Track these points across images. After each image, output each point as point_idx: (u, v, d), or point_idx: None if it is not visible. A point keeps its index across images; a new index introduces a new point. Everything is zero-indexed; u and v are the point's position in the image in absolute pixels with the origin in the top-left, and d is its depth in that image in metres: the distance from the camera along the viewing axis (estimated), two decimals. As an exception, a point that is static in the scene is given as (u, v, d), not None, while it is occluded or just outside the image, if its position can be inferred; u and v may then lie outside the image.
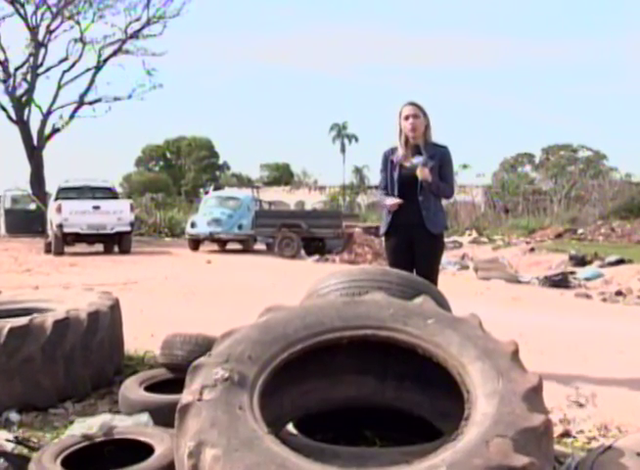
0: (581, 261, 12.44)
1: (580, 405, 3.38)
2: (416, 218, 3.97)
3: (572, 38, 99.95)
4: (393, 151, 4.10)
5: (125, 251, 15.46)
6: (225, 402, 1.73)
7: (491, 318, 4.03)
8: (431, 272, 3.90)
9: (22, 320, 3.19)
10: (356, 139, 58.41)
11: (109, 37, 23.95)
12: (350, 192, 44.47)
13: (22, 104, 23.11)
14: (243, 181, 58.35)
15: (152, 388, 2.98)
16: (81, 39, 23.81)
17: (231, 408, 1.71)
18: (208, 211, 17.81)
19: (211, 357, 1.89)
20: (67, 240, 15.29)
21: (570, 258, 12.90)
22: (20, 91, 23.28)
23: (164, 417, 2.46)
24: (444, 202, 4.39)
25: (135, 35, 24.16)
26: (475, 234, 22.76)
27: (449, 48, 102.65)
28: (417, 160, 3.93)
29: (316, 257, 15.57)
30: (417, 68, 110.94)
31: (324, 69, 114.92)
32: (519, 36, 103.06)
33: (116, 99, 24.59)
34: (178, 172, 65.87)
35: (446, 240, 6.46)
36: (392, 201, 3.98)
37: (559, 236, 20.27)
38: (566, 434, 2.93)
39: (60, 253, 14.84)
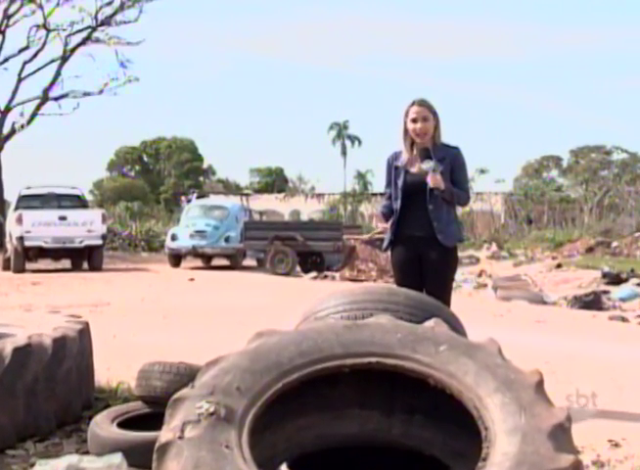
0: (616, 279, 12.45)
1: (616, 445, 3.37)
2: (426, 230, 3.98)
3: (607, 25, 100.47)
4: (398, 155, 4.11)
5: (96, 267, 15.45)
6: (210, 441, 1.73)
7: (513, 344, 4.02)
8: (442, 291, 3.90)
9: (-22, 347, 3.18)
10: (359, 141, 58.55)
11: (76, 24, 23.95)
12: (352, 200, 44.58)
13: (-25, 100, 23.17)
14: (230, 188, 58.43)
15: (126, 424, 2.97)
16: (45, 26, 23.77)
17: (217, 447, 1.71)
18: (191, 222, 17.85)
19: (195, 389, 1.89)
20: (28, 255, 15.26)
21: (602, 275, 12.91)
22: (-28, 85, 23.36)
23: (140, 458, 2.46)
24: (458, 210, 4.41)
25: (107, 22, 24.16)
26: (494, 248, 22.79)
27: (466, 37, 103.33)
28: (425, 164, 3.93)
29: (313, 273, 15.58)
30: (428, 59, 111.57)
31: (322, 60, 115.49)
32: (545, 23, 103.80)
33: (86, 94, 24.62)
34: (157, 178, 65.96)
35: (461, 254, 6.47)
36: (382, 227, 4.10)
37: (590, 250, 20.31)
38: (599, 477, 2.93)
39: (20, 270, 14.82)
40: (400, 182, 4.05)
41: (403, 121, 4.04)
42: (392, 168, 4.11)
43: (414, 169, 4.03)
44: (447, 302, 3.84)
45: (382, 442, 2.33)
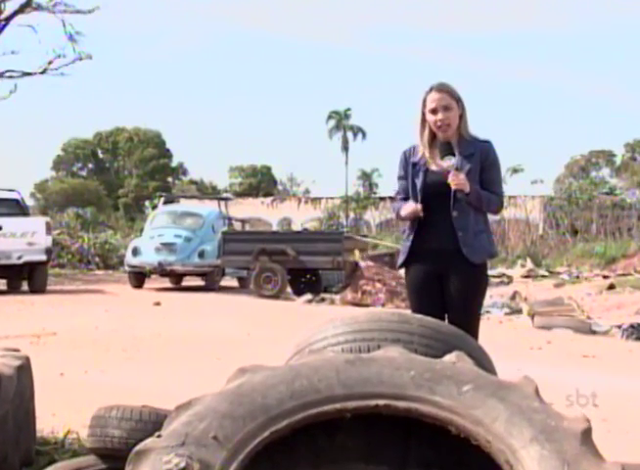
0: (682, 303, 12.48)
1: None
2: (448, 242, 3.98)
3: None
4: (417, 150, 4.12)
5: (39, 289, 15.41)
6: (181, 503, 1.73)
7: (553, 384, 4.04)
8: (468, 319, 3.91)
9: None
10: (363, 133, 58.88)
11: (12, -14, 23.90)
12: (356, 206, 44.65)
13: None
14: (205, 191, 58.51)
15: (76, 483, 2.97)
16: (-30, -12, 23.76)
17: (189, 511, 1.72)
18: (157, 233, 17.84)
19: (162, 439, 1.90)
20: (-45, 274, 15.24)
21: (665, 298, 12.94)
22: None
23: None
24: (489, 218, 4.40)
25: (50, -16, 24.16)
26: (530, 264, 22.83)
27: (494, 3, 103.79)
28: (448, 161, 3.94)
29: (308, 296, 15.58)
30: (447, 32, 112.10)
31: (318, 35, 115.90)
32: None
33: (26, 74, 24.61)
34: (114, 178, 66.09)
35: (490, 272, 6.47)
36: (409, 207, 3.99)
37: (650, 267, 20.35)
38: None
39: (-54, 292, 14.80)
40: (419, 183, 4.05)
41: (420, 111, 4.04)
42: (410, 166, 4.11)
43: (435, 168, 4.03)
44: (474, 332, 3.85)
45: (392, 504, 2.33)
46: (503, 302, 14.20)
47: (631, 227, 29.79)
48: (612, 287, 15.95)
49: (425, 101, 4.02)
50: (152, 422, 2.95)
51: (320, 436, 2.21)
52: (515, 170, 43.22)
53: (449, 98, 4.00)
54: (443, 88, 4.02)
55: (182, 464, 1.81)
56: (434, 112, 3.99)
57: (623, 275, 19.02)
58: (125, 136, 66.77)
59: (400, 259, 4.20)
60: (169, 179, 66.63)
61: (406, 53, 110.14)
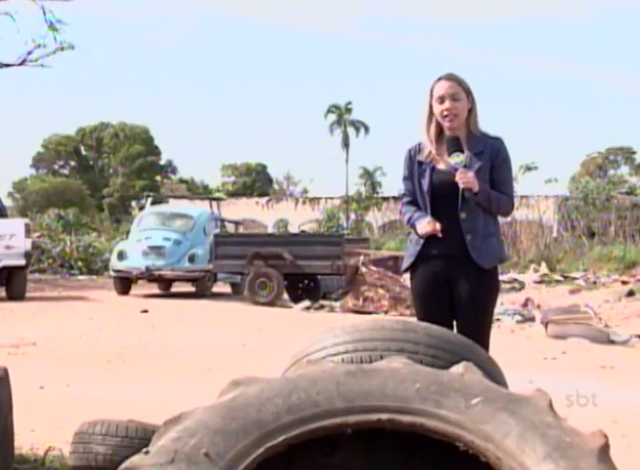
0: None
1: None
2: (456, 246, 3.98)
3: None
4: (422, 147, 4.12)
5: (17, 296, 15.38)
6: (170, 524, 1.73)
7: (568, 397, 4.04)
8: (478, 327, 3.91)
9: None
10: (365, 128, 58.88)
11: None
12: (357, 206, 44.67)
13: None
14: (196, 190, 58.55)
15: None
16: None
17: (178, 533, 1.72)
18: (145, 236, 17.83)
19: (150, 456, 1.89)
20: None
21: (688, 305, 12.95)
22: None
23: None
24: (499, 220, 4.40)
25: (28, -34, 24.12)
26: (543, 269, 22.83)
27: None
28: (454, 158, 3.94)
29: (306, 303, 15.57)
30: (456, 23, 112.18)
31: (318, 24, 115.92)
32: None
33: (3, 65, 24.60)
34: (99, 177, 66.10)
35: (501, 278, 6.48)
36: (428, 225, 3.96)
37: (673, 272, 20.33)
38: None
39: None
40: (426, 184, 4.05)
41: (427, 104, 4.04)
42: (415, 165, 4.10)
43: (443, 166, 4.03)
44: (485, 341, 3.84)
45: (396, 525, 2.33)
46: (515, 309, 14.20)
47: (652, 229, 29.75)
48: (631, 293, 15.94)
49: (432, 91, 4.01)
50: (139, 438, 2.95)
51: (319, 452, 2.21)
52: (528, 168, 43.12)
53: (458, 87, 3.99)
54: (452, 77, 4.02)
55: (171, 483, 1.81)
56: (441, 100, 3.98)
57: (644, 280, 19.02)
58: (110, 132, 66.77)
59: (405, 264, 4.19)
60: (158, 178, 66.63)
61: (411, 43, 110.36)
